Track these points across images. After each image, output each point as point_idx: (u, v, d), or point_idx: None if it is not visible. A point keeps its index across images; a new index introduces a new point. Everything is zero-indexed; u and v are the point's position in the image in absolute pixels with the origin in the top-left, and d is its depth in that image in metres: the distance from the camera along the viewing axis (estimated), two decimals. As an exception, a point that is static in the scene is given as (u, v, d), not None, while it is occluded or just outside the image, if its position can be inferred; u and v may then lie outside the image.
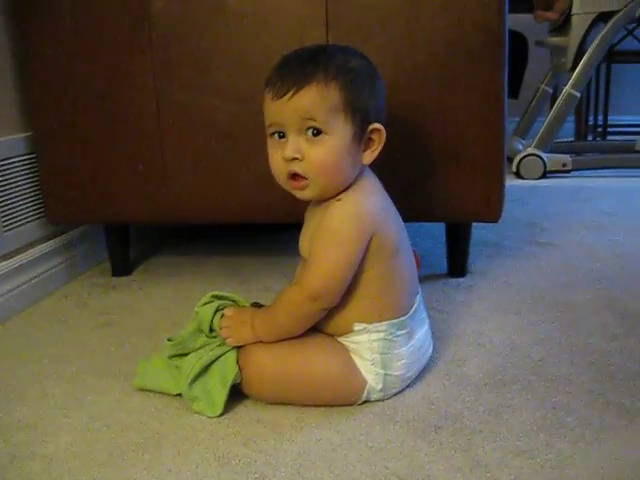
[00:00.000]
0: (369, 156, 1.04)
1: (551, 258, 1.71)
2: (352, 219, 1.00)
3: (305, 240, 1.08)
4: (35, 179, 1.56)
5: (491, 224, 1.49)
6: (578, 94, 2.78)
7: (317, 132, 0.98)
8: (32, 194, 1.55)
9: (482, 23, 1.32)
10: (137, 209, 1.50)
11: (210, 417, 1.01)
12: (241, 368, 1.03)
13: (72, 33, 1.42)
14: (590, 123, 3.53)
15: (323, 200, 1.04)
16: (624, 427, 0.94)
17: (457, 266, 1.58)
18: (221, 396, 1.01)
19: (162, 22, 1.39)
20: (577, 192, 2.51)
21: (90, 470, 0.89)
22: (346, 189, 1.03)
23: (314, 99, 0.97)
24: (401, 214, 1.44)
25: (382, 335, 1.02)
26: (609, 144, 3.29)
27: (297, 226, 1.14)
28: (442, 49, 1.34)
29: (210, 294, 1.10)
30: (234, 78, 1.39)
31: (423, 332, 1.11)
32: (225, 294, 1.11)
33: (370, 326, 1.02)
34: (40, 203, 1.56)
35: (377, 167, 1.32)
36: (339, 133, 0.99)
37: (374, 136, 1.03)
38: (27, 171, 1.54)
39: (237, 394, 1.05)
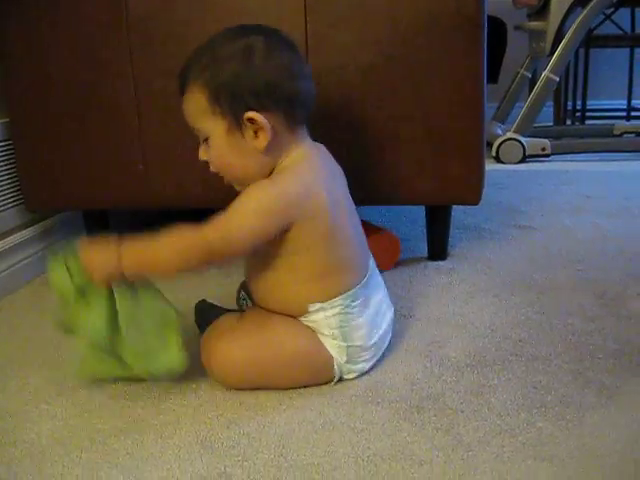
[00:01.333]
0: (261, 141, 0.99)
1: (531, 241, 1.72)
2: (265, 199, 0.98)
3: None
4: (12, 165, 1.54)
5: (471, 207, 1.50)
6: (557, 78, 2.78)
7: (207, 139, 1.02)
8: (9, 181, 1.53)
9: (461, 7, 1.32)
10: (116, 195, 1.49)
11: (180, 370, 1.02)
12: (208, 361, 1.04)
13: (48, 18, 1.40)
14: (569, 108, 3.55)
15: None
16: (604, 405, 0.95)
17: (437, 249, 1.59)
18: (173, 345, 1.01)
19: (139, 6, 1.37)
20: (556, 176, 2.53)
21: (72, 456, 0.89)
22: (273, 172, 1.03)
23: (189, 110, 1.03)
24: (381, 197, 1.44)
25: (337, 310, 1.03)
26: (588, 128, 3.30)
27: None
28: (421, 32, 1.34)
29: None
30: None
31: (379, 298, 1.11)
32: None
33: (325, 304, 1.03)
34: (17, 190, 1.54)
35: (358, 151, 1.32)
36: (214, 132, 1.01)
37: (255, 123, 0.99)
38: (3, 157, 1.52)
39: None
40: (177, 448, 0.89)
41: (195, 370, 1.08)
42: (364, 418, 0.95)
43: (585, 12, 2.73)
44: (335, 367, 1.04)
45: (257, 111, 0.98)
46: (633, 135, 3.04)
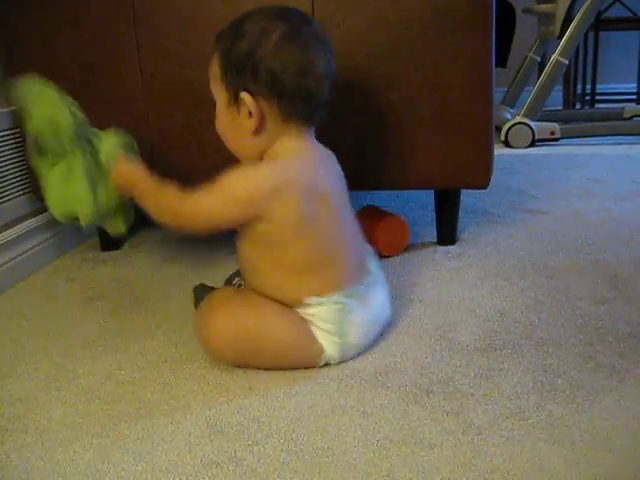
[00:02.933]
0: (250, 124, 1.03)
1: (540, 225, 1.71)
2: (234, 187, 1.02)
3: None
4: (21, 154, 1.54)
5: (480, 192, 1.49)
6: (566, 61, 2.76)
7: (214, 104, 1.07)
8: (18, 169, 1.54)
9: (469, -12, 1.31)
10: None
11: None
12: (201, 330, 1.06)
13: (56, 3, 1.40)
14: (578, 91, 3.53)
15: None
16: (615, 388, 0.95)
17: (447, 234, 1.58)
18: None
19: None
20: (566, 160, 2.52)
21: (83, 441, 0.89)
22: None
23: (209, 72, 1.07)
24: (390, 181, 1.44)
25: (335, 306, 1.03)
26: (597, 112, 3.29)
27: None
28: (429, 16, 1.33)
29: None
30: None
31: (379, 297, 1.11)
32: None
33: (323, 299, 1.03)
34: (27, 178, 1.55)
35: (366, 135, 1.32)
36: (219, 99, 1.07)
37: (247, 105, 1.02)
38: (12, 146, 1.52)
39: (225, 365, 1.05)
40: (187, 433, 0.90)
41: (204, 356, 1.08)
42: (374, 402, 0.95)
43: (594, -6, 2.71)
44: (322, 359, 1.04)
45: (252, 94, 1.00)
46: (643, 118, 3.03)
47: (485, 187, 1.44)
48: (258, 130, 1.03)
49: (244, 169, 1.04)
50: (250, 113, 1.01)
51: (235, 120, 1.04)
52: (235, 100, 1.02)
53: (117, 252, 1.66)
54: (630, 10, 3.29)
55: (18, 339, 1.21)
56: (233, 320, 1.03)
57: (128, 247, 1.70)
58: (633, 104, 3.27)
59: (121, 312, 1.29)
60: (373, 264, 1.14)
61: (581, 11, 2.71)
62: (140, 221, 1.21)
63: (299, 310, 1.04)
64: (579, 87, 3.51)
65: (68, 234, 1.69)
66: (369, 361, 1.06)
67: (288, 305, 1.05)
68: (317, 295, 1.03)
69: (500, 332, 1.14)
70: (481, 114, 1.38)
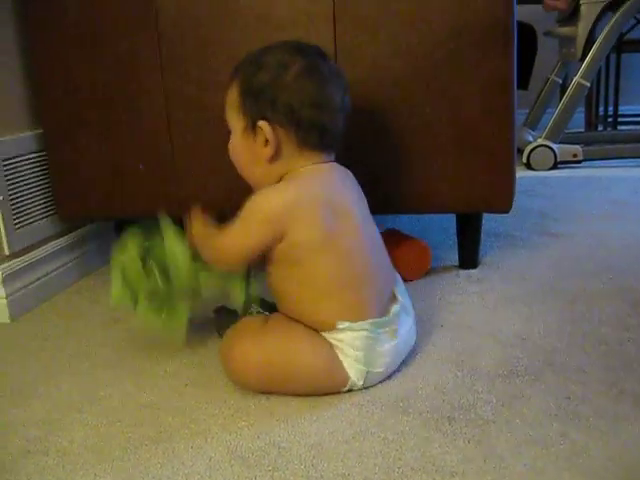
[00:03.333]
0: (267, 152, 1.05)
1: (563, 249, 1.70)
2: (257, 209, 1.04)
3: None
4: (45, 177, 1.56)
5: (502, 215, 1.48)
6: (588, 84, 2.76)
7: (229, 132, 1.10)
8: (42, 192, 1.55)
9: (490, 12, 1.31)
10: (147, 205, 1.50)
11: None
12: (225, 358, 1.06)
13: (78, 27, 1.43)
14: (601, 113, 3.51)
15: None
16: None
17: (468, 258, 1.57)
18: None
19: (170, 15, 1.38)
20: (588, 182, 2.50)
21: (104, 464, 0.89)
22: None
23: (226, 100, 1.10)
24: (411, 206, 1.43)
25: (365, 333, 1.03)
26: (620, 134, 3.26)
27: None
28: (450, 39, 1.33)
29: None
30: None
31: (406, 326, 1.11)
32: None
33: (354, 324, 1.02)
34: (50, 201, 1.57)
35: (387, 160, 1.32)
36: (235, 128, 1.09)
37: (264, 133, 1.05)
38: (37, 169, 1.54)
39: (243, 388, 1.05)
40: (208, 458, 0.90)
41: (225, 380, 1.08)
42: (395, 428, 0.94)
43: (616, 17, 2.70)
44: (347, 387, 1.04)
45: (270, 123, 1.03)
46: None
47: (507, 211, 1.43)
48: (274, 158, 1.05)
49: (264, 191, 1.06)
50: (267, 141, 1.04)
51: (250, 147, 1.07)
52: (252, 128, 1.05)
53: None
54: (652, 32, 3.27)
55: (41, 360, 1.22)
56: (260, 350, 1.03)
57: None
58: (656, 126, 3.26)
59: (142, 335, 1.30)
60: (401, 291, 1.13)
61: (603, 33, 2.71)
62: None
63: (327, 335, 1.04)
64: (601, 109, 3.49)
65: (92, 255, 1.70)
66: (390, 386, 1.06)
67: (317, 329, 1.04)
68: (348, 320, 1.02)
69: (522, 358, 1.13)
70: (503, 137, 1.38)
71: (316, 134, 1.05)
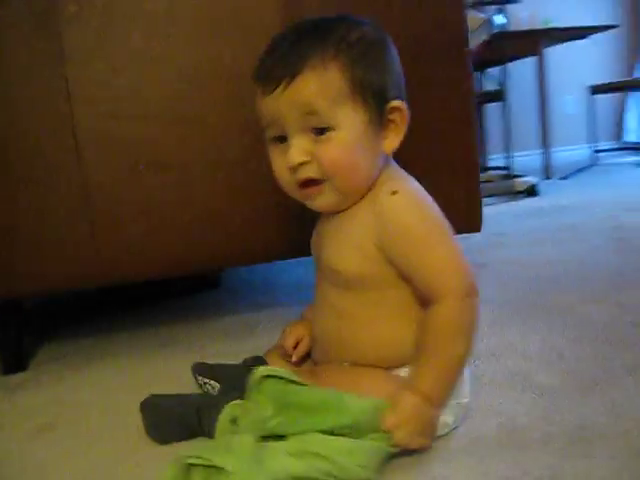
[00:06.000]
0: (393, 141, 0.86)
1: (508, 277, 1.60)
2: (420, 207, 0.85)
3: (341, 251, 0.88)
4: None
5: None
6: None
7: (322, 130, 0.81)
8: None
9: (444, 30, 1.24)
10: (59, 274, 1.20)
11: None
12: None
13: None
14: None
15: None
16: None
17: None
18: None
19: (76, 31, 1.13)
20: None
21: None
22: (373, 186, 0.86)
23: (312, 88, 0.80)
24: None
25: None
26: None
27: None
28: (416, 50, 1.23)
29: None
30: (171, 99, 1.17)
31: None
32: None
33: None
34: None
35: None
36: (349, 124, 0.82)
37: (394, 116, 0.85)
38: None
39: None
40: None
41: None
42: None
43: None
44: (443, 428, 0.83)
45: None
46: None
47: (478, 231, 1.31)
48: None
49: (408, 205, 0.84)
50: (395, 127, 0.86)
51: (371, 144, 0.84)
52: (379, 119, 0.84)
53: (26, 373, 1.30)
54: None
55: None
56: None
57: (35, 365, 1.34)
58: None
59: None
60: None
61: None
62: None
63: (399, 371, 0.83)
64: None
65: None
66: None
67: (391, 366, 0.84)
68: None
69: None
70: (470, 152, 1.27)
71: None
